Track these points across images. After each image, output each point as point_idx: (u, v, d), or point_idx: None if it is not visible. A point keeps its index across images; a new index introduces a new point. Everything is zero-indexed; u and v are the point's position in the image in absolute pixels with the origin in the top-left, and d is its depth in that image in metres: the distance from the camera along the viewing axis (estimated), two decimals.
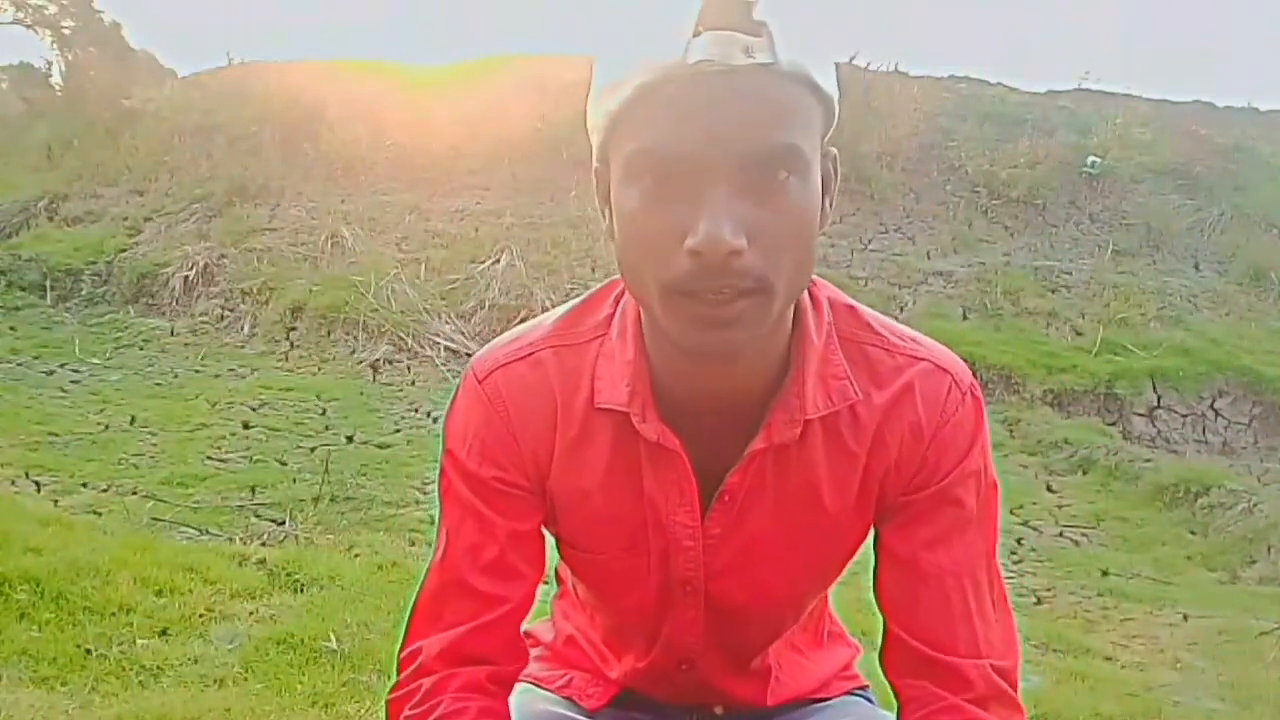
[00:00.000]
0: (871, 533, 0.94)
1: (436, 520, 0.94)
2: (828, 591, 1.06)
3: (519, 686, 0.99)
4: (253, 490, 4.54)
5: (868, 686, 1.10)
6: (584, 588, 1.04)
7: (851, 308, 0.91)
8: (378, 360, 6.88)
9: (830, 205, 0.82)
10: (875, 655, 0.95)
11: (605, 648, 1.06)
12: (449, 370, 6.63)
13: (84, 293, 8.01)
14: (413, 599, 0.93)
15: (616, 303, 0.91)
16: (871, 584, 0.92)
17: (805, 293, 0.87)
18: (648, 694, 1.05)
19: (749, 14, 0.72)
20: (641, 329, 0.87)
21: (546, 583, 1.12)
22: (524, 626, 0.94)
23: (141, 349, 7.19)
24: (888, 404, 0.88)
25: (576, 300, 0.94)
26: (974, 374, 0.94)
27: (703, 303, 0.74)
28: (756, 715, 1.05)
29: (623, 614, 1.01)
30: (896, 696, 0.91)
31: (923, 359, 0.89)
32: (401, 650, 0.92)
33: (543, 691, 1.06)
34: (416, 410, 6.07)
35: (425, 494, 4.56)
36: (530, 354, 0.91)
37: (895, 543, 0.90)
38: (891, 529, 0.91)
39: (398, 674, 0.92)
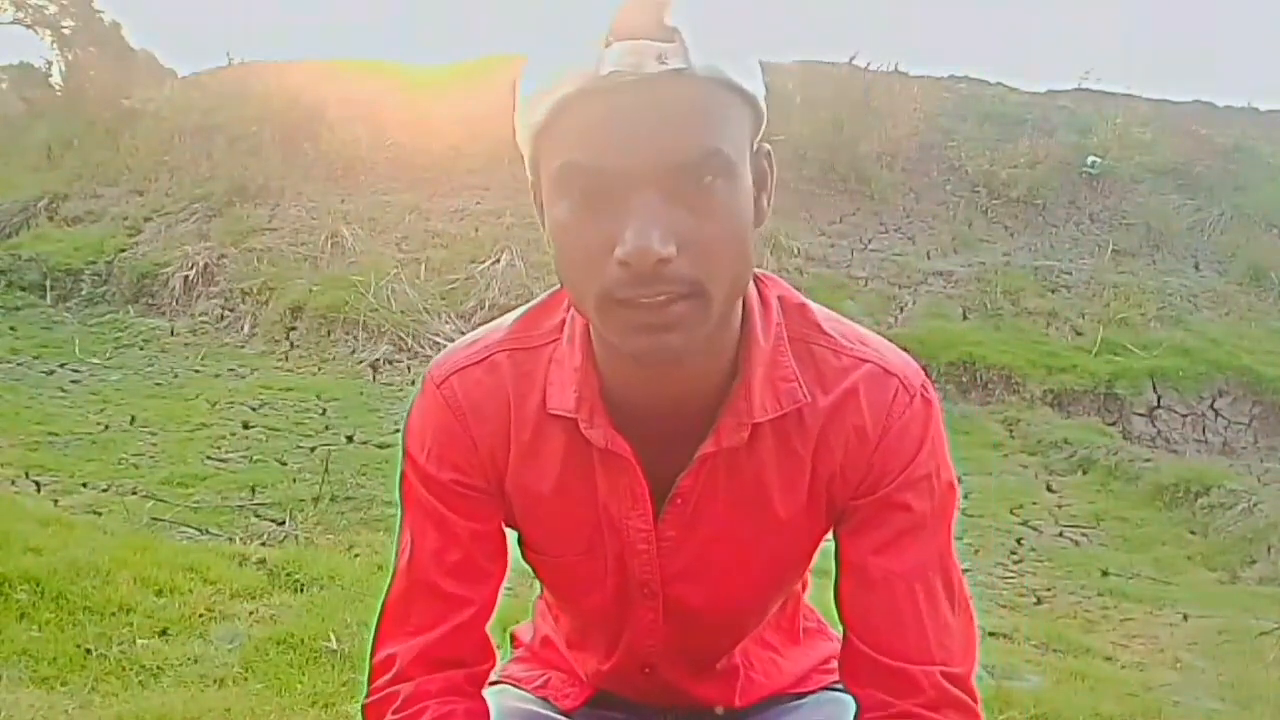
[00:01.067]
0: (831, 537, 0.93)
1: (398, 523, 0.94)
2: (799, 590, 1.06)
3: (498, 687, 1.00)
4: (253, 490, 4.54)
5: None
6: (548, 589, 1.05)
7: (802, 306, 0.91)
8: (378, 360, 6.88)
9: (768, 202, 0.81)
10: None
11: (569, 647, 1.07)
12: None
13: (84, 293, 8.01)
14: (380, 604, 0.94)
15: (569, 308, 0.90)
16: (833, 591, 0.92)
17: (754, 292, 0.87)
18: (621, 695, 1.06)
19: (660, 21, 0.72)
20: (589, 335, 0.87)
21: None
22: (511, 628, 0.94)
23: (141, 349, 7.19)
24: (832, 407, 0.87)
25: (533, 303, 0.94)
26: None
27: (638, 309, 0.74)
28: (730, 715, 1.05)
29: (584, 616, 1.02)
30: (856, 704, 0.90)
31: (869, 361, 0.88)
32: (373, 656, 0.92)
33: (520, 691, 1.06)
34: None
35: None
36: (485, 357, 0.91)
37: (847, 548, 0.90)
38: (843, 534, 0.91)
39: (370, 679, 0.92)
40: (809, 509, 0.90)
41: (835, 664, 1.09)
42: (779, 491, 0.89)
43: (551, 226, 0.78)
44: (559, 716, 1.04)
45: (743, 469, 0.88)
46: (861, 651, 0.88)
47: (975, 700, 0.88)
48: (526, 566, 1.00)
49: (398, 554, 0.93)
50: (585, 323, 0.87)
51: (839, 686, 1.08)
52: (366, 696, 0.92)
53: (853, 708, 1.02)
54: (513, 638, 1.15)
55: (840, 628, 0.92)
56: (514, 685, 1.07)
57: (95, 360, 6.83)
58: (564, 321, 0.90)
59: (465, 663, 0.91)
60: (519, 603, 1.26)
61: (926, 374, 0.92)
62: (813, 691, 1.07)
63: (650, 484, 0.89)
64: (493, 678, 0.98)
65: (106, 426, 5.44)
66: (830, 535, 0.94)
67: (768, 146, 0.81)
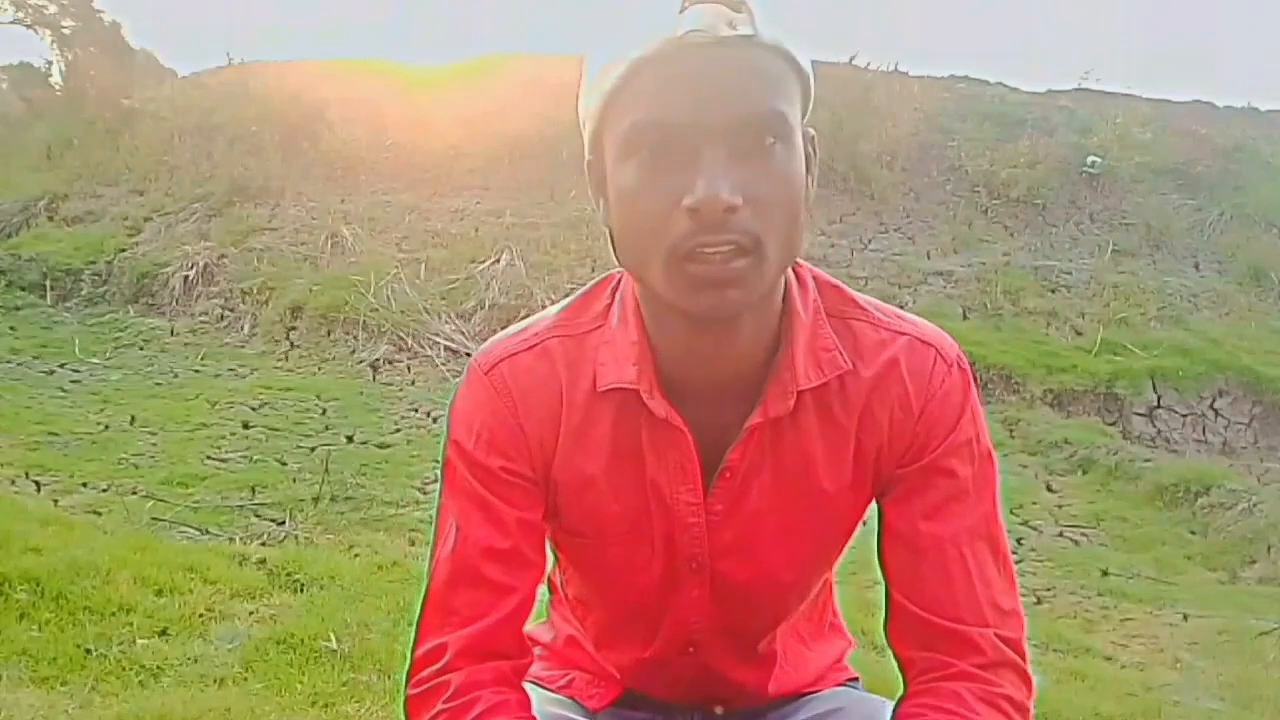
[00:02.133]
0: (874, 507, 0.95)
1: (437, 511, 0.94)
2: (832, 580, 1.07)
3: (524, 685, 0.99)
4: (253, 490, 4.54)
5: (858, 679, 1.11)
6: (583, 580, 1.04)
7: (836, 286, 0.94)
8: (378, 360, 6.88)
9: (813, 184, 0.84)
10: (867, 652, 0.94)
11: (597, 646, 1.06)
12: (449, 370, 6.63)
13: (84, 293, 8.02)
14: (423, 593, 0.93)
15: (614, 293, 0.93)
16: (876, 559, 0.93)
17: (791, 272, 0.89)
18: (649, 693, 1.06)
19: None
20: (641, 312, 0.89)
21: (554, 585, 1.12)
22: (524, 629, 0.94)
23: (141, 349, 7.19)
24: (874, 378, 0.90)
25: (576, 294, 0.96)
26: (973, 374, 0.95)
27: (703, 262, 0.77)
28: (754, 712, 1.05)
29: (625, 603, 1.01)
30: (901, 668, 0.91)
31: (906, 333, 0.92)
32: (417, 646, 0.91)
33: (544, 691, 1.06)
34: (416, 410, 6.07)
35: (425, 494, 4.56)
36: (536, 344, 0.92)
37: (893, 516, 0.92)
38: (889, 503, 0.92)
39: (413, 670, 0.91)
40: (854, 482, 0.92)
41: (846, 663, 1.11)
42: (823, 464, 0.91)
43: (615, 192, 0.81)
44: (584, 718, 1.04)
45: (788, 441, 0.90)
46: (914, 614, 0.89)
47: (1025, 660, 0.89)
48: (551, 573, 1.00)
49: (437, 541, 0.93)
50: (636, 302, 0.89)
51: (850, 684, 1.09)
52: (408, 688, 0.91)
53: (866, 698, 1.03)
54: (528, 637, 1.14)
55: (850, 625, 0.92)
56: (538, 685, 1.06)
57: (95, 360, 6.83)
58: (608, 308, 0.93)
59: (510, 655, 0.92)
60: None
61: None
62: (828, 689, 1.08)
63: (699, 458, 0.90)
64: None
65: (106, 426, 5.44)
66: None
67: (812, 131, 0.84)
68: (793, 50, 0.79)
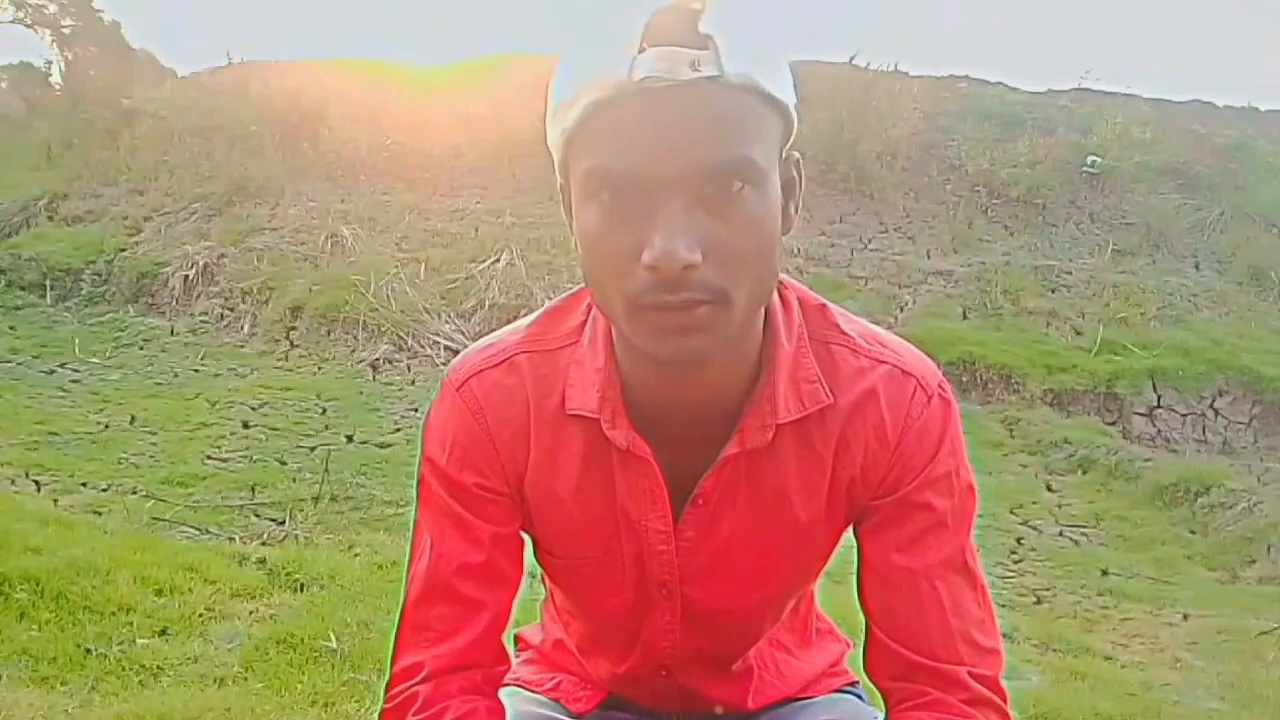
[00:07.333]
0: (851, 534, 0.94)
1: (413, 526, 0.94)
2: (813, 589, 1.06)
3: (508, 689, 0.99)
4: (253, 490, 4.54)
5: (857, 683, 1.10)
6: (561, 593, 1.04)
7: (821, 307, 0.91)
8: (378, 360, 6.88)
9: (795, 210, 0.81)
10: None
11: (580, 652, 1.06)
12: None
13: (84, 292, 8.01)
14: (399, 609, 0.93)
15: (589, 309, 0.90)
16: (855, 585, 0.92)
17: (775, 294, 0.87)
18: (634, 699, 1.06)
19: (694, 28, 0.72)
20: (611, 336, 0.87)
21: (545, 585, 1.12)
22: (515, 629, 0.94)
23: (141, 349, 7.19)
24: (851, 408, 0.87)
25: (550, 305, 0.94)
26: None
27: (664, 312, 0.74)
28: (746, 716, 1.05)
29: (600, 619, 1.01)
30: (882, 696, 0.91)
31: (887, 362, 0.89)
32: (395, 662, 0.92)
33: (530, 694, 1.06)
34: (416, 410, 6.07)
35: None
36: (505, 360, 0.91)
37: (869, 547, 0.90)
38: (865, 533, 0.91)
39: (390, 686, 0.91)
40: (828, 510, 0.90)
41: (845, 666, 1.10)
42: (798, 493, 0.89)
43: (579, 231, 0.78)
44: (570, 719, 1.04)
45: (763, 470, 0.88)
46: (891, 649, 0.88)
47: (1005, 700, 0.88)
48: (537, 570, 0.99)
49: (413, 558, 0.92)
50: (607, 324, 0.87)
51: (849, 689, 1.08)
52: (384, 703, 0.91)
53: (864, 709, 1.02)
54: (518, 640, 1.14)
55: (848, 625, 0.91)
56: (524, 688, 1.06)
57: (95, 360, 6.83)
58: (583, 324, 0.90)
59: (482, 665, 0.91)
60: (523, 604, 1.26)
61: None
62: (823, 694, 1.07)
63: (670, 485, 0.89)
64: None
65: (106, 426, 5.44)
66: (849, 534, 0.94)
67: (796, 155, 0.81)
68: (765, 82, 0.74)
